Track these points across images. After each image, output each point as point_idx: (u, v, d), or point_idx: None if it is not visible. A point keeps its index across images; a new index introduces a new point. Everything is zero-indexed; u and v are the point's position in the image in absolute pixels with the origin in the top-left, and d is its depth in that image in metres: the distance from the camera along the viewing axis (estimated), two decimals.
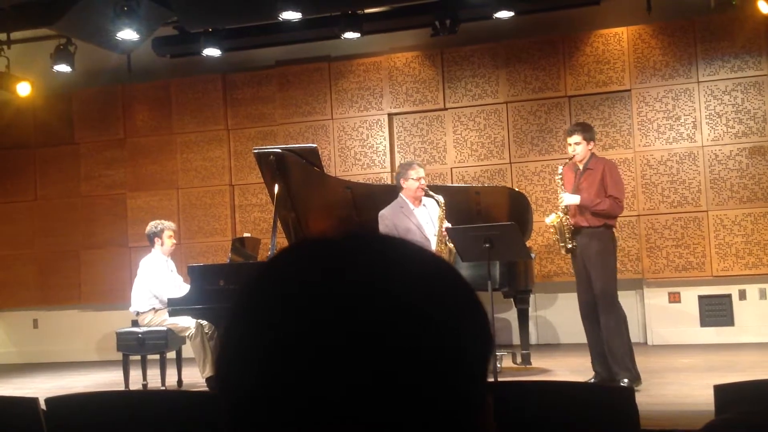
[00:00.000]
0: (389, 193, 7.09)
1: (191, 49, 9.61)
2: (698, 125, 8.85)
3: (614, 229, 6.40)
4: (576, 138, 6.30)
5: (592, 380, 6.19)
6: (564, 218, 6.27)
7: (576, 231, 6.27)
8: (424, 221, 6.72)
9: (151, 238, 7.63)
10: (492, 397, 0.76)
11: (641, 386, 6.07)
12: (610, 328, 6.14)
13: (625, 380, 6.01)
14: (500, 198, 7.93)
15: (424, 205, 6.80)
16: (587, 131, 6.38)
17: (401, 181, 6.79)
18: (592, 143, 6.37)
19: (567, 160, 6.59)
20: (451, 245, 6.58)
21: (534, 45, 9.36)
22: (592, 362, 6.32)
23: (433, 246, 6.53)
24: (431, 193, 6.70)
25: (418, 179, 6.70)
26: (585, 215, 6.23)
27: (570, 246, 6.28)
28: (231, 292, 6.48)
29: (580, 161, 6.34)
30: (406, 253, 0.76)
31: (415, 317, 0.70)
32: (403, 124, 9.74)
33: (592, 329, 6.27)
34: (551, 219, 6.35)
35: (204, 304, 6.66)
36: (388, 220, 6.71)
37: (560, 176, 6.41)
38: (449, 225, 6.55)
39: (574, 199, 6.22)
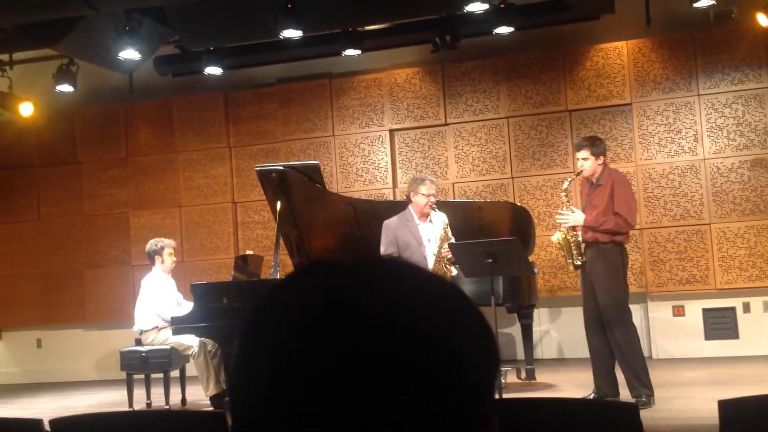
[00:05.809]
0: (392, 209, 7.08)
1: (193, 68, 9.66)
2: (699, 138, 8.86)
3: (624, 245, 6.19)
4: (583, 153, 6.13)
5: (593, 395, 6.07)
6: (569, 234, 6.13)
7: (586, 246, 6.14)
8: (427, 238, 6.67)
9: (152, 256, 7.62)
10: (498, 416, 0.77)
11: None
12: (623, 343, 5.97)
13: (643, 398, 5.84)
14: (502, 213, 7.94)
15: (430, 221, 6.73)
16: (595, 146, 6.16)
17: (411, 195, 6.75)
18: (601, 158, 6.15)
19: (573, 176, 6.52)
20: (450, 268, 6.49)
21: (534, 60, 9.39)
22: (594, 377, 6.18)
23: (430, 265, 6.44)
24: (437, 210, 6.65)
25: (428, 196, 6.65)
26: (594, 231, 6.08)
27: (578, 262, 6.14)
28: (234, 310, 6.48)
29: (590, 176, 6.18)
30: (413, 275, 0.77)
31: (420, 337, 0.71)
32: (405, 139, 9.76)
33: (595, 343, 6.14)
34: (556, 237, 6.24)
35: (207, 322, 6.64)
36: (390, 231, 6.70)
37: (565, 193, 6.29)
38: (452, 241, 6.51)
39: (578, 221, 6.10)
